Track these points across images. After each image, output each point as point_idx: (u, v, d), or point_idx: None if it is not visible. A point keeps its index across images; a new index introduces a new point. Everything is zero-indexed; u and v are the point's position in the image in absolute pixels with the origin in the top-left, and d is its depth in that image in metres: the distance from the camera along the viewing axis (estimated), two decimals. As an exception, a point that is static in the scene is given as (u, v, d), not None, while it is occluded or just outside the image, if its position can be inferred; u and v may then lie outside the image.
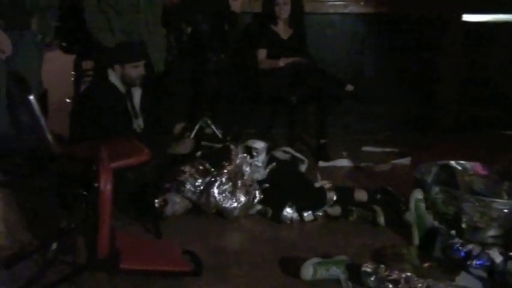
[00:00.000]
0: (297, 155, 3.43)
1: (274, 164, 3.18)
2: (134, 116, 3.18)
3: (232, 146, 3.17)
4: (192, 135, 3.80)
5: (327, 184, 3.10)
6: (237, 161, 3.07)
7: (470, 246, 2.49)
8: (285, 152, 3.38)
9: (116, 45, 3.36)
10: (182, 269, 2.43)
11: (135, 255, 2.37)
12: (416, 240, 2.70)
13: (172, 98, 3.81)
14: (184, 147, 3.33)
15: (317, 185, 3.13)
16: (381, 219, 2.94)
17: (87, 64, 4.52)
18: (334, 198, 3.04)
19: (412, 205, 2.75)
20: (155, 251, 2.56)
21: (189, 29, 4.04)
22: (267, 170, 3.15)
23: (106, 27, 3.55)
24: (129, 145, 2.77)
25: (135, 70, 3.11)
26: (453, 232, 2.65)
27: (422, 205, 2.76)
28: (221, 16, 4.07)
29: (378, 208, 2.98)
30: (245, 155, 3.12)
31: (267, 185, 3.08)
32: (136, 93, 3.20)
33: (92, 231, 2.19)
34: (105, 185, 2.16)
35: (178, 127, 3.53)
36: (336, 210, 3.05)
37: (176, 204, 2.99)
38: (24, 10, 3.38)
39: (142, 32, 3.62)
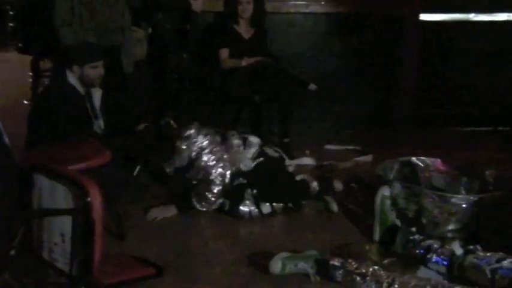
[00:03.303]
0: (284, 156, 3.54)
1: (262, 159, 3.26)
2: (94, 117, 3.13)
3: (232, 132, 3.29)
4: (155, 136, 3.76)
5: (306, 176, 3.28)
6: (234, 148, 3.19)
7: (429, 242, 2.54)
8: (275, 150, 3.49)
9: (74, 45, 3.30)
10: (147, 272, 2.40)
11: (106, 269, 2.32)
12: (377, 236, 2.75)
13: (134, 98, 3.76)
14: (147, 148, 3.30)
15: (298, 178, 3.27)
16: (334, 206, 3.11)
17: (45, 65, 4.44)
18: (317, 188, 3.21)
19: (377, 200, 2.79)
20: (113, 262, 2.46)
21: (149, 29, 4.00)
22: (254, 163, 3.22)
23: (77, 27, 3.49)
24: (88, 147, 2.73)
25: (94, 71, 3.06)
26: (413, 229, 2.70)
27: (388, 202, 2.80)
28: (182, 16, 4.04)
29: (328, 197, 3.16)
30: (241, 142, 3.23)
31: (241, 179, 3.12)
32: (96, 94, 3.15)
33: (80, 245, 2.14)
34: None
35: (140, 127, 3.48)
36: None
37: None
38: None
39: (117, 33, 3.57)
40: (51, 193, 2.24)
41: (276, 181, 3.16)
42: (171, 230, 2.89)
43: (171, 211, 3.04)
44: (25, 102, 4.62)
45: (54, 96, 3.05)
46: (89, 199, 2.11)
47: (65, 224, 2.17)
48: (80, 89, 3.08)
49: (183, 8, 3.98)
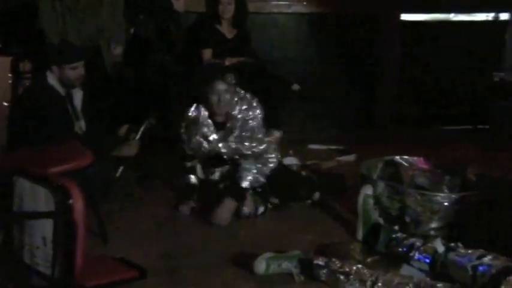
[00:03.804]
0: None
1: None
2: (75, 118, 3.10)
3: None
4: (138, 137, 3.74)
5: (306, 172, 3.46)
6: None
7: (412, 240, 2.57)
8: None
9: (54, 46, 3.27)
10: (130, 275, 2.38)
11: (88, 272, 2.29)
12: (360, 235, 2.77)
13: (117, 99, 3.74)
14: (130, 149, 3.28)
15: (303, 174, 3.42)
16: (316, 195, 3.20)
17: (25, 66, 4.39)
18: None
19: (360, 200, 2.81)
20: (96, 265, 2.43)
21: (132, 30, 3.98)
22: None
23: (60, 29, 3.46)
24: (70, 149, 2.70)
25: (74, 71, 3.03)
26: (396, 227, 2.73)
27: (371, 201, 2.82)
28: (165, 16, 4.02)
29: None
30: None
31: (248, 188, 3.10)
32: (77, 95, 3.12)
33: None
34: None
35: (123, 129, 3.46)
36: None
37: None
38: None
39: (102, 37, 3.55)
40: (32, 196, 2.22)
41: (283, 179, 3.18)
42: (156, 232, 2.88)
43: (231, 205, 2.99)
44: (5, 104, 4.56)
45: (34, 97, 3.02)
46: (70, 201, 2.10)
47: (46, 227, 2.15)
48: (60, 90, 3.05)
49: (165, 8, 3.97)
